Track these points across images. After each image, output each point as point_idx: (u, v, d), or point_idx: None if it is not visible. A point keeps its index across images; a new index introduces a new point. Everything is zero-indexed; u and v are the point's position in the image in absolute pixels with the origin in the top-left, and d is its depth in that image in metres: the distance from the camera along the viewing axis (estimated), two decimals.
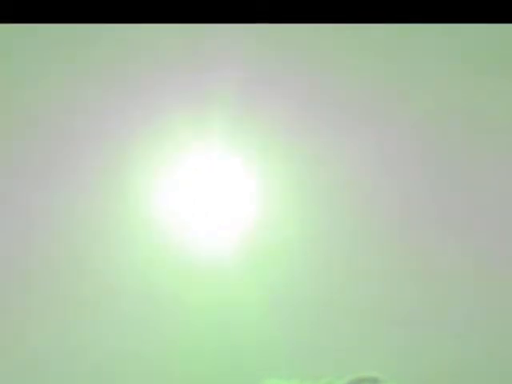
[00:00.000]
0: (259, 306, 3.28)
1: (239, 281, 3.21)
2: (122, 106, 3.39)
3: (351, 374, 3.28)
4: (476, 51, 3.54)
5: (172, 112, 3.31)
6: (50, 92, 3.44)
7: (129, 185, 3.26)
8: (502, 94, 3.64)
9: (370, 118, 3.35)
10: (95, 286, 3.33)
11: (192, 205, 3.31)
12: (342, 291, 3.27)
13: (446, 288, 3.38)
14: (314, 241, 3.25)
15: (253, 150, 3.28)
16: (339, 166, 3.29)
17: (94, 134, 3.38)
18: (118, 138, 3.37)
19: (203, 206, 3.36)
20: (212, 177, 3.29)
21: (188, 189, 3.30)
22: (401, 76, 3.53)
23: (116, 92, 3.38)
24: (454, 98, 3.58)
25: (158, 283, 3.31)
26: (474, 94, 3.61)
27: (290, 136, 3.31)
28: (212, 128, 3.27)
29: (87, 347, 3.28)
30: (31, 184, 3.28)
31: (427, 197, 3.40)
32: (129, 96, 3.40)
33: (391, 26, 3.46)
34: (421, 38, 3.51)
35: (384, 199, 3.38)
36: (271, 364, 3.39)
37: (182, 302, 3.33)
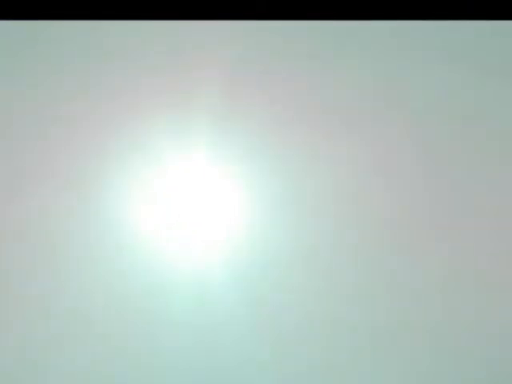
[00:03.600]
0: (247, 319, 3.14)
1: (227, 294, 3.08)
2: (97, 108, 3.24)
3: None
4: (477, 50, 3.41)
5: (152, 114, 3.16)
6: (19, 93, 3.29)
7: (107, 191, 3.11)
8: (504, 94, 3.49)
9: (365, 120, 3.21)
10: (73, 298, 3.17)
11: (174, 212, 3.16)
12: (337, 304, 3.13)
13: (448, 299, 3.23)
14: (306, 251, 3.12)
15: (239, 154, 3.15)
16: (333, 169, 3.15)
17: (67, 138, 3.24)
18: (93, 142, 3.23)
19: (187, 214, 3.22)
20: (196, 183, 3.14)
21: (171, 196, 3.15)
22: (397, 75, 3.41)
23: (91, 94, 3.24)
24: (454, 98, 3.46)
25: (141, 295, 3.16)
26: (474, 94, 3.47)
27: (279, 139, 3.17)
28: (195, 131, 3.13)
29: (65, 362, 3.11)
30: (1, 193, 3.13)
31: (426, 203, 3.26)
32: (105, 98, 3.25)
33: (387, 23, 3.34)
34: (417, 36, 3.38)
35: (381, 204, 3.24)
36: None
37: (166, 315, 3.19)
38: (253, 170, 3.77)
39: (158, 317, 3.73)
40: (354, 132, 3.78)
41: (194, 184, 3.74)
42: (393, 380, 3.75)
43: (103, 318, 3.68)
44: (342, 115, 3.78)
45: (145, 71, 3.76)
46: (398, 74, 3.89)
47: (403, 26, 3.85)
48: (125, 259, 3.69)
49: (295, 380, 3.71)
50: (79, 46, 3.76)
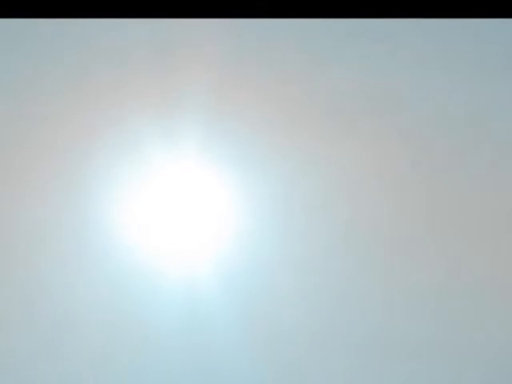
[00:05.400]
0: (237, 333, 3.08)
1: (215, 306, 3.01)
2: (81, 109, 3.18)
3: None
4: (477, 49, 3.34)
5: (142, 115, 3.09)
6: (3, 92, 3.21)
7: (89, 196, 3.02)
8: (505, 95, 3.41)
9: (360, 122, 3.14)
10: (50, 312, 3.08)
11: (161, 219, 3.10)
12: (333, 317, 3.07)
13: (445, 305, 3.15)
14: (300, 260, 3.04)
15: (229, 159, 3.09)
16: (327, 172, 3.09)
17: (49, 140, 3.16)
18: (77, 145, 3.16)
19: (173, 221, 3.15)
20: (182, 189, 3.08)
21: (157, 202, 3.08)
22: (394, 76, 3.34)
23: (75, 95, 3.17)
24: (453, 100, 3.38)
25: (124, 307, 3.09)
26: (473, 95, 3.40)
27: (271, 143, 3.10)
28: (183, 135, 3.06)
29: (50, 368, 3.04)
30: None
31: (423, 209, 3.20)
32: (89, 99, 3.18)
33: (384, 22, 3.28)
34: (416, 36, 3.32)
35: (376, 210, 3.17)
36: None
37: (151, 328, 3.12)
38: (245, 173, 3.79)
39: (146, 322, 3.73)
40: (349, 135, 3.79)
41: (184, 187, 3.76)
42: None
43: (90, 324, 3.67)
44: (337, 117, 3.80)
45: (135, 71, 3.76)
46: (396, 74, 3.89)
47: (402, 26, 3.86)
48: (113, 264, 3.69)
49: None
50: (67, 45, 3.76)
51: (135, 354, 3.70)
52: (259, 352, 3.70)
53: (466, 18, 3.85)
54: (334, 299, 3.73)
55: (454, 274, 3.79)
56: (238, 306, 3.72)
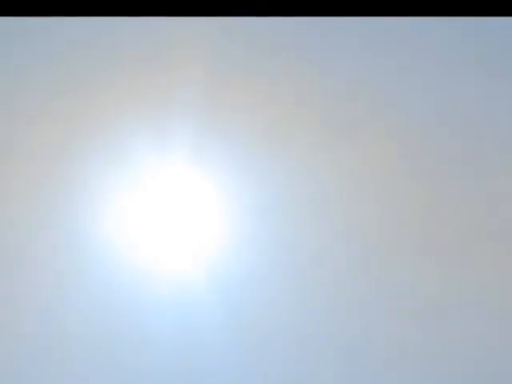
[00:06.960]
0: (229, 336, 3.07)
1: (206, 311, 3.00)
2: (69, 111, 3.17)
3: None
4: (478, 49, 3.31)
5: (127, 119, 3.07)
6: None
7: (79, 201, 3.01)
8: (505, 95, 3.39)
9: (359, 124, 3.12)
10: (42, 318, 3.08)
11: (153, 223, 3.10)
12: (326, 321, 3.05)
13: (446, 321, 3.12)
14: (295, 265, 3.03)
15: (221, 164, 3.07)
16: (324, 177, 3.06)
17: (36, 143, 3.15)
18: (65, 148, 3.15)
19: (165, 226, 3.16)
20: (174, 194, 3.08)
21: (148, 207, 3.08)
22: (393, 76, 3.33)
23: (62, 96, 3.16)
24: (453, 100, 3.36)
25: (116, 312, 3.08)
26: (474, 98, 3.38)
27: (265, 147, 3.08)
28: (174, 138, 3.03)
29: (41, 375, 3.05)
30: None
31: (420, 216, 3.18)
32: (77, 100, 3.16)
33: (383, 23, 3.26)
34: (416, 37, 3.31)
35: (368, 216, 3.16)
36: None
37: (143, 332, 3.12)
38: (239, 176, 3.79)
39: (141, 325, 3.73)
40: (346, 137, 3.79)
41: (176, 190, 3.75)
42: None
43: (84, 327, 3.67)
44: (335, 119, 3.80)
45: (131, 71, 3.76)
46: (395, 75, 3.89)
47: (401, 25, 3.84)
48: (105, 268, 3.69)
49: None
50: (63, 45, 3.76)
51: (130, 357, 3.71)
52: (252, 355, 3.70)
53: (466, 17, 3.84)
54: (327, 304, 3.73)
55: (453, 274, 3.77)
56: (230, 309, 3.72)
